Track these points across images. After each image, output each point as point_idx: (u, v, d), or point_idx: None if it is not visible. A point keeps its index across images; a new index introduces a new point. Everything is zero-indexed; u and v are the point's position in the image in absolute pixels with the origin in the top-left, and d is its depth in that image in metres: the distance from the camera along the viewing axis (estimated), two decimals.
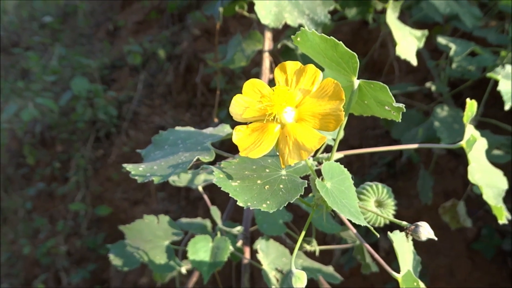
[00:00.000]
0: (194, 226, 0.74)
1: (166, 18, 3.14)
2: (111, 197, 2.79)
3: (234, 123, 0.42)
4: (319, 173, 0.40)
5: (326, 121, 0.35)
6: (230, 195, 0.37)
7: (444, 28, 1.38)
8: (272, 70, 0.86)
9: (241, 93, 0.44)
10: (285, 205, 0.36)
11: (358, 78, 0.42)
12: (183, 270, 0.77)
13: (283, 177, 0.39)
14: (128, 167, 0.51)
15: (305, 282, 0.42)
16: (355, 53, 0.41)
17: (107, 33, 3.61)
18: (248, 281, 0.70)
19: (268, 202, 0.36)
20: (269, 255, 0.63)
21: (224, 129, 0.57)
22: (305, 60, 0.87)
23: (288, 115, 0.36)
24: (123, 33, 3.43)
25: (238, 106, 0.37)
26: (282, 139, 0.36)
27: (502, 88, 0.75)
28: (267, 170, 0.39)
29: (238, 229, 0.68)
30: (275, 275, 0.61)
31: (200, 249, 0.62)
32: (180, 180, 0.71)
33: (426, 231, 0.44)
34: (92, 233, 2.87)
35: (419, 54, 1.33)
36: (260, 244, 0.63)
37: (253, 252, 0.68)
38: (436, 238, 0.45)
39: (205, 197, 0.76)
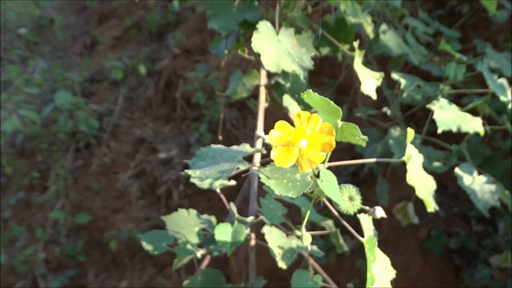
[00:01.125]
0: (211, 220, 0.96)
1: (145, 35, 3.31)
2: (91, 205, 2.91)
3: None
4: (317, 176, 0.64)
5: (325, 147, 0.58)
6: (268, 186, 0.59)
7: (398, 61, 1.66)
8: (266, 100, 1.09)
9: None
10: (301, 194, 0.59)
11: (340, 120, 0.65)
12: (198, 254, 0.98)
13: (298, 178, 0.62)
14: (189, 172, 0.72)
15: (310, 240, 0.66)
16: (339, 108, 0.63)
17: (84, 46, 3.74)
18: (254, 258, 0.93)
19: (291, 192, 0.59)
20: (273, 237, 0.85)
21: (245, 148, 0.79)
22: (292, 92, 1.10)
23: (303, 143, 0.59)
24: (101, 48, 3.57)
25: (271, 136, 0.60)
26: (300, 157, 0.59)
27: (436, 117, 1.01)
28: (288, 174, 0.62)
29: (250, 218, 0.90)
30: (278, 250, 0.84)
31: (223, 233, 0.83)
32: (204, 183, 0.93)
33: (380, 212, 0.67)
34: (71, 241, 2.97)
35: None
36: (266, 229, 0.85)
37: (258, 237, 0.90)
38: (386, 216, 0.68)
39: (222, 196, 0.97)
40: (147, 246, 0.98)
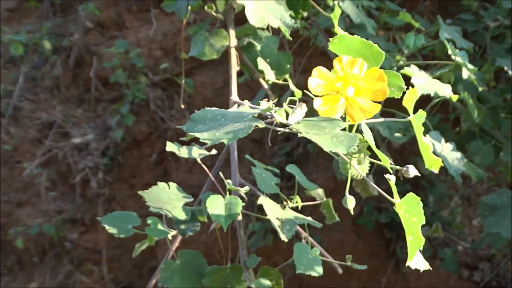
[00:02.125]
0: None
1: (47, 7, 2.95)
2: None
3: None
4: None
5: (376, 95, 0.52)
6: (311, 139, 0.51)
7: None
8: (238, 63, 0.99)
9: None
10: (350, 149, 0.51)
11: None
12: (169, 236, 0.86)
13: (340, 133, 0.54)
14: (195, 134, 0.60)
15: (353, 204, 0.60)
16: (382, 52, 0.57)
17: None
18: (243, 234, 0.83)
19: (340, 147, 0.51)
20: (270, 208, 0.77)
21: (247, 108, 0.69)
22: (263, 56, 1.01)
23: (350, 91, 0.51)
24: None
25: (312, 84, 0.51)
26: (349, 106, 0.52)
27: (414, 82, 1.01)
28: (327, 129, 0.54)
29: (246, 188, 0.80)
30: (277, 222, 0.76)
31: (216, 206, 0.73)
32: (181, 153, 0.81)
33: (414, 171, 0.62)
34: None
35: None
36: (262, 200, 0.76)
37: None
38: (420, 175, 0.64)
39: (204, 166, 0.85)
40: (110, 230, 0.85)
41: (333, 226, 2.19)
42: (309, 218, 0.83)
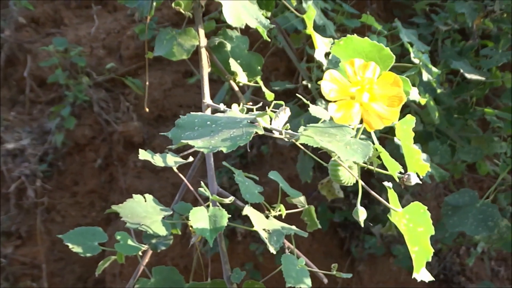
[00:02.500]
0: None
1: None
2: None
3: None
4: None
5: (392, 101, 0.49)
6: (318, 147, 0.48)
7: (299, 36, 1.63)
8: (209, 64, 0.93)
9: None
10: (366, 157, 0.48)
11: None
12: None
13: (352, 141, 0.51)
14: (189, 142, 0.54)
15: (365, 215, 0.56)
16: (393, 55, 0.54)
17: None
18: (225, 247, 0.78)
19: (355, 156, 0.48)
20: (256, 218, 0.72)
21: (237, 114, 0.64)
22: (233, 57, 0.96)
23: (365, 97, 0.48)
24: None
25: (326, 88, 0.48)
26: (365, 113, 0.48)
27: None
28: (337, 136, 0.51)
29: (230, 199, 0.75)
30: (264, 234, 0.71)
31: (200, 218, 0.67)
32: (155, 161, 0.74)
33: (414, 178, 0.61)
34: None
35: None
36: (248, 210, 0.72)
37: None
38: (421, 182, 0.62)
39: (181, 176, 0.79)
40: (75, 249, 0.77)
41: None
42: (294, 228, 0.79)
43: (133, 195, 0.73)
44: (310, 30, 0.93)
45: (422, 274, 0.58)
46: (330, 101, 0.49)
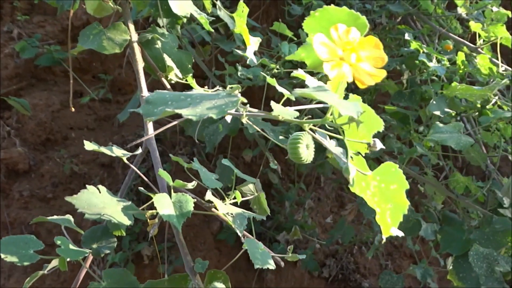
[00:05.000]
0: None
1: None
2: None
3: None
4: None
5: (376, 61, 0.54)
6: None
7: (205, 48, 1.67)
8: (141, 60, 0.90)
9: None
10: (359, 114, 0.52)
11: None
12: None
13: (341, 100, 0.55)
14: (175, 110, 0.51)
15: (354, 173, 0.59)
16: (367, 23, 0.59)
17: None
18: (182, 238, 0.75)
19: (351, 111, 0.52)
20: (219, 204, 0.72)
21: (202, 91, 0.63)
22: (164, 52, 0.95)
23: (353, 57, 0.53)
24: None
25: (319, 47, 0.51)
26: (355, 72, 0.52)
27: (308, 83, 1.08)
28: (328, 95, 0.54)
29: (192, 183, 0.72)
30: (229, 218, 0.71)
31: (165, 205, 0.64)
32: (102, 151, 0.69)
33: (379, 144, 0.66)
34: None
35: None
36: (210, 195, 0.70)
37: None
38: (384, 147, 0.68)
39: (133, 167, 0.73)
40: (9, 258, 0.67)
41: (196, 245, 2.14)
42: (252, 213, 0.80)
43: (87, 185, 0.67)
44: (242, 27, 0.96)
45: (395, 230, 0.63)
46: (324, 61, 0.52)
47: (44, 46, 2.05)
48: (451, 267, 1.39)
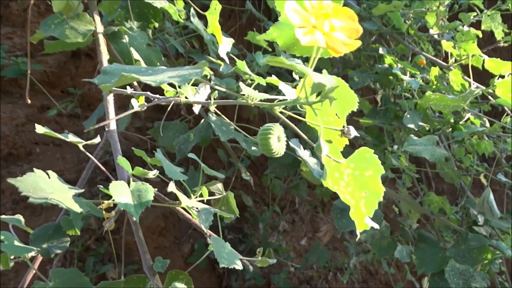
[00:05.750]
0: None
1: None
2: None
3: None
4: None
5: (350, 32, 0.51)
6: None
7: (180, 61, 1.64)
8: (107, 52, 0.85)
9: None
10: (332, 84, 0.48)
11: None
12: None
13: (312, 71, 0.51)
14: (132, 75, 0.46)
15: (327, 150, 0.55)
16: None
17: None
18: (142, 235, 0.68)
19: (325, 80, 0.48)
20: (183, 197, 0.66)
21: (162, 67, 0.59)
22: (131, 47, 0.91)
23: (326, 26, 0.50)
24: None
25: (290, 15, 0.48)
26: (329, 40, 0.49)
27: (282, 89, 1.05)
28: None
29: (153, 173, 0.66)
30: (194, 212, 0.65)
31: (122, 193, 0.58)
32: (57, 135, 0.63)
33: (353, 131, 0.63)
34: None
35: None
36: (173, 187, 0.65)
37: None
38: (358, 135, 0.65)
39: (89, 154, 0.67)
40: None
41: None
42: (218, 210, 0.74)
43: (34, 168, 0.61)
44: (214, 25, 0.94)
45: (369, 221, 0.59)
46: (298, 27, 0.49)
47: (11, 58, 1.98)
48: (426, 287, 1.34)
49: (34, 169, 0.60)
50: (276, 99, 0.69)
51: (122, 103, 1.91)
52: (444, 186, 2.45)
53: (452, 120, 1.36)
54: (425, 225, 1.69)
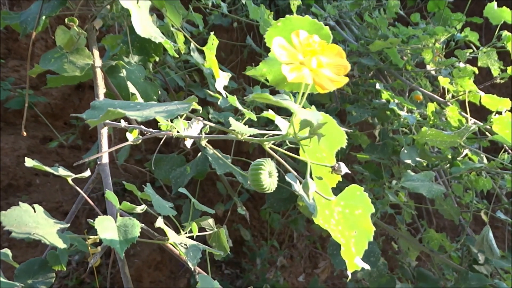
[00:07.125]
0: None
1: None
2: None
3: None
4: None
5: (338, 69, 0.51)
6: None
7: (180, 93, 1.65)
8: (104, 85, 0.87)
9: None
10: (318, 120, 0.49)
11: None
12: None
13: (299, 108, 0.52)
14: (119, 110, 0.46)
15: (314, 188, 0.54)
16: (330, 34, 0.58)
17: None
18: (128, 272, 0.67)
19: (311, 116, 0.49)
20: (170, 233, 0.65)
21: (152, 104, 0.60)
22: (129, 81, 0.92)
23: (313, 63, 0.50)
24: None
25: (279, 50, 0.49)
26: (316, 77, 0.50)
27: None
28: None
29: (142, 208, 0.65)
30: (182, 249, 0.64)
31: (108, 228, 0.57)
32: (46, 169, 0.62)
33: (344, 168, 0.62)
34: None
35: None
36: (161, 223, 0.64)
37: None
38: (349, 172, 0.64)
39: (77, 188, 0.67)
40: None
41: None
42: (209, 248, 0.73)
43: (20, 202, 0.60)
44: (211, 60, 0.95)
45: (359, 261, 0.57)
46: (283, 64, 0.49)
47: (16, 89, 2.01)
48: None
49: (20, 202, 0.60)
50: (267, 134, 0.69)
51: (124, 135, 1.92)
52: (446, 222, 2.42)
53: (450, 156, 1.36)
54: (425, 262, 1.66)
